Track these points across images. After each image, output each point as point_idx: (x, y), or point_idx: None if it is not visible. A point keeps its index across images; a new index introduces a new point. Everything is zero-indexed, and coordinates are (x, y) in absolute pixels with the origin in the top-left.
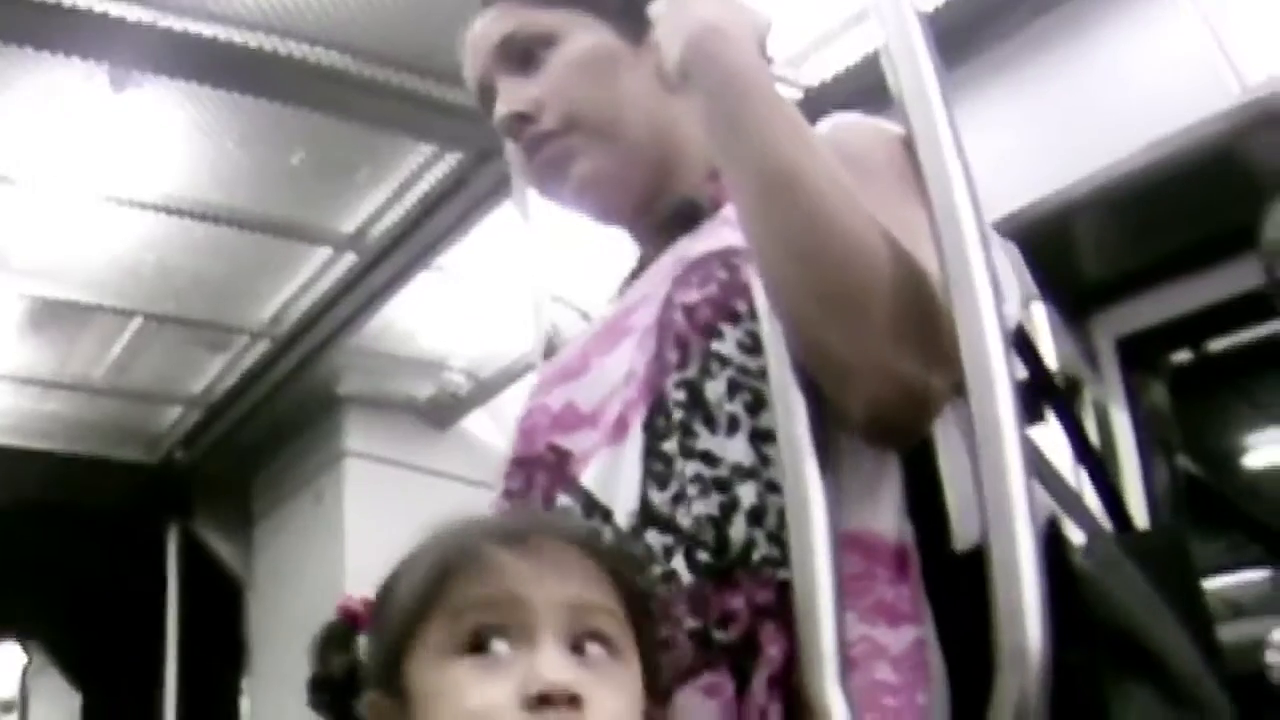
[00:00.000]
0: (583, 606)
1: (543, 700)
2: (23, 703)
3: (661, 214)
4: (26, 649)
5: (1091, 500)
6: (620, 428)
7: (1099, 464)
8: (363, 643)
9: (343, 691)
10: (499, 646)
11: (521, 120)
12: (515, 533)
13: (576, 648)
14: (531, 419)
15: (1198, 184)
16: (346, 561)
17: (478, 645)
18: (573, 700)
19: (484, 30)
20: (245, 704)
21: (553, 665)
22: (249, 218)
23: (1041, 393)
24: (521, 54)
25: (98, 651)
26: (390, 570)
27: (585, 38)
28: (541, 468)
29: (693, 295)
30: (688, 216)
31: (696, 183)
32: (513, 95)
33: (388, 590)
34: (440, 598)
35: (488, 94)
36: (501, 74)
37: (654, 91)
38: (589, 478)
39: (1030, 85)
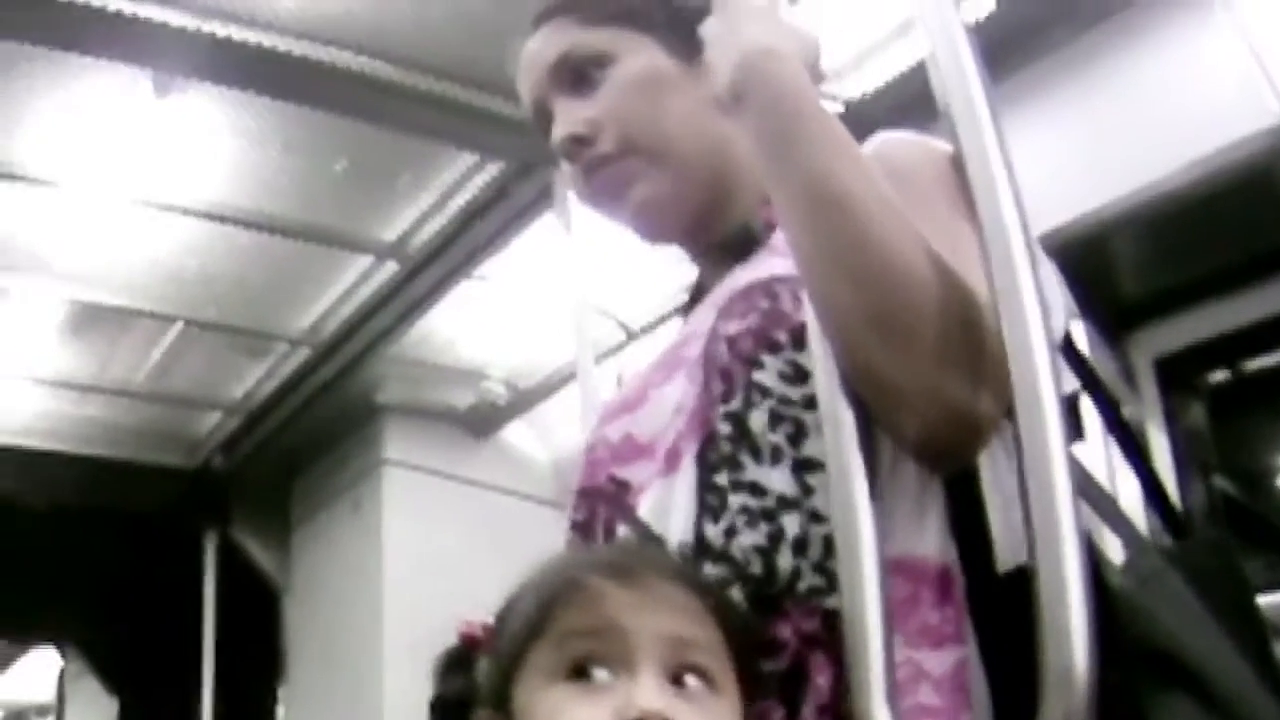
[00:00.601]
0: (682, 640)
1: None
2: (59, 707)
3: (718, 238)
4: (64, 653)
5: (1134, 510)
6: (672, 459)
7: (1152, 472)
8: (482, 666)
9: (457, 712)
10: (600, 674)
11: (578, 143)
12: (621, 566)
13: (676, 680)
14: (595, 451)
15: (1237, 203)
16: (384, 570)
17: (579, 671)
18: None
19: (538, 49)
20: (281, 711)
21: (650, 693)
22: (290, 225)
23: (1091, 398)
24: (577, 74)
25: (134, 657)
26: (507, 596)
27: (640, 58)
28: (603, 499)
29: (735, 326)
30: (744, 242)
31: (752, 206)
32: (569, 117)
33: (503, 617)
34: (547, 624)
35: (543, 113)
36: (557, 95)
37: (708, 112)
38: (644, 509)
39: (1069, 103)
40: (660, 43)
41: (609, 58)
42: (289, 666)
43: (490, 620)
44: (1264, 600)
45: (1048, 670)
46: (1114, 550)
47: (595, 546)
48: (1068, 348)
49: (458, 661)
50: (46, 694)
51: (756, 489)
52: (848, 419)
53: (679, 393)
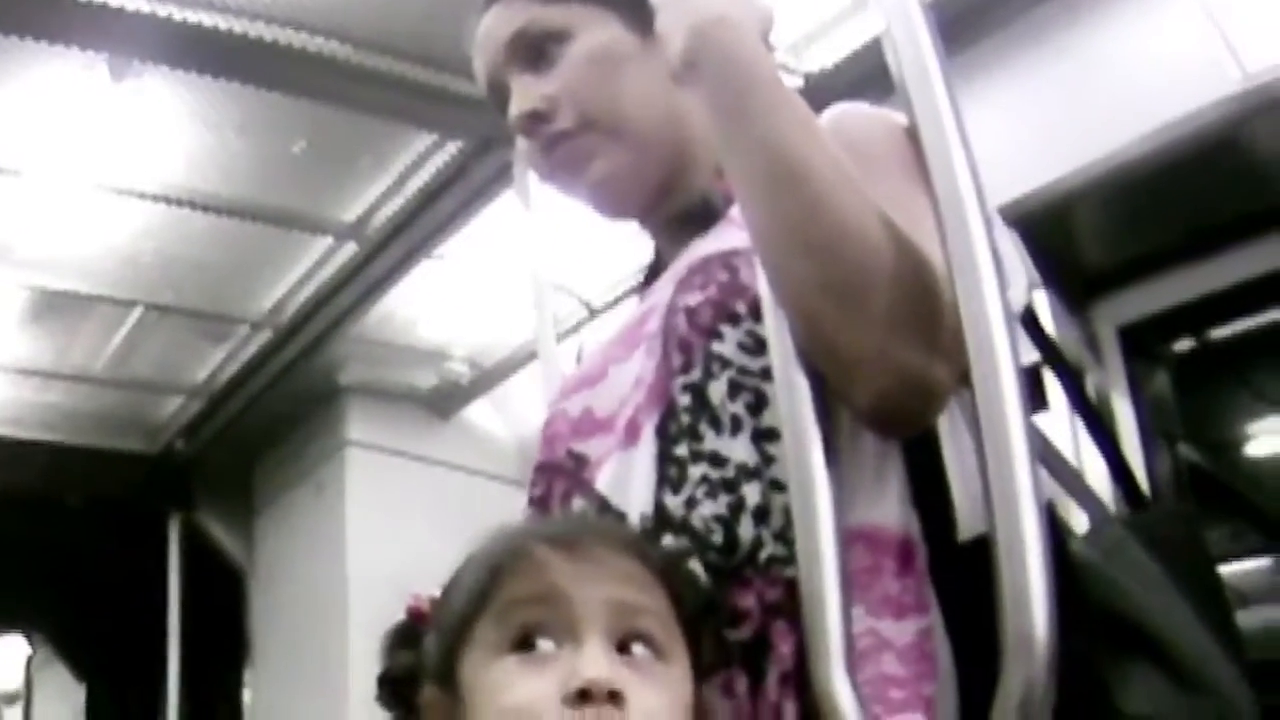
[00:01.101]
0: (628, 607)
1: (583, 696)
2: (27, 695)
3: (675, 211)
4: (31, 641)
5: (1097, 482)
6: (632, 432)
7: (1112, 443)
8: (429, 641)
9: (405, 688)
10: (544, 644)
11: (535, 119)
12: (565, 535)
13: (622, 648)
14: (553, 426)
15: (1199, 171)
16: (349, 551)
17: (524, 642)
18: (613, 696)
19: (493, 26)
20: (247, 695)
21: (595, 662)
22: (249, 207)
23: (1054, 372)
24: (533, 50)
25: (101, 643)
26: (451, 571)
27: (597, 33)
28: (561, 474)
29: (694, 298)
30: (702, 214)
31: (709, 178)
32: (526, 94)
33: (447, 590)
34: (491, 596)
35: (499, 90)
36: (514, 71)
37: (665, 86)
38: (602, 482)
39: (1031, 72)
40: (617, 16)
41: (566, 33)
42: (254, 649)
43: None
44: (1230, 568)
45: (1008, 636)
46: (1078, 523)
47: (542, 517)
48: (1029, 320)
49: (405, 637)
50: (15, 682)
51: (716, 459)
52: (803, 387)
53: (638, 367)
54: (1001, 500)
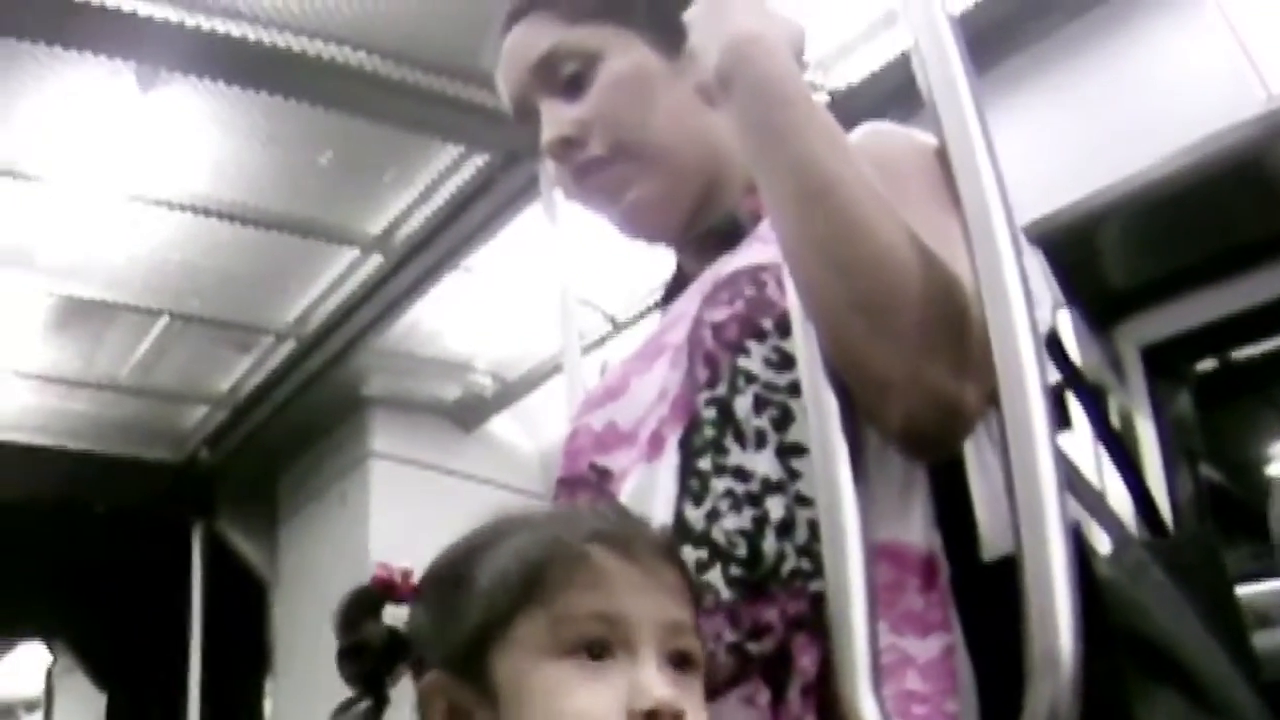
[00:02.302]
0: (678, 626)
1: (650, 716)
2: (48, 703)
3: (703, 230)
4: (52, 649)
5: (1119, 503)
6: (655, 444)
7: (1132, 467)
8: (397, 613)
9: (381, 660)
10: (604, 655)
11: (567, 145)
12: (617, 537)
13: (669, 663)
14: (576, 440)
15: (1224, 192)
16: (371, 562)
17: (580, 648)
18: (676, 717)
19: (519, 46)
20: (269, 705)
21: (659, 682)
22: (275, 218)
23: (1076, 395)
24: (562, 74)
25: (122, 651)
26: (458, 547)
27: (627, 57)
28: (584, 487)
29: (721, 313)
30: (729, 231)
31: (736, 195)
32: (557, 118)
33: (460, 569)
34: (540, 596)
35: (526, 111)
36: (542, 94)
37: (694, 107)
38: (626, 494)
39: (1055, 92)
40: (643, 38)
41: (595, 56)
42: (276, 659)
43: (407, 567)
44: (1252, 588)
45: (1033, 655)
46: (1100, 545)
47: (575, 507)
48: (1052, 341)
49: (369, 607)
50: (35, 689)
51: (741, 473)
52: (831, 403)
53: (661, 379)
54: (1028, 520)
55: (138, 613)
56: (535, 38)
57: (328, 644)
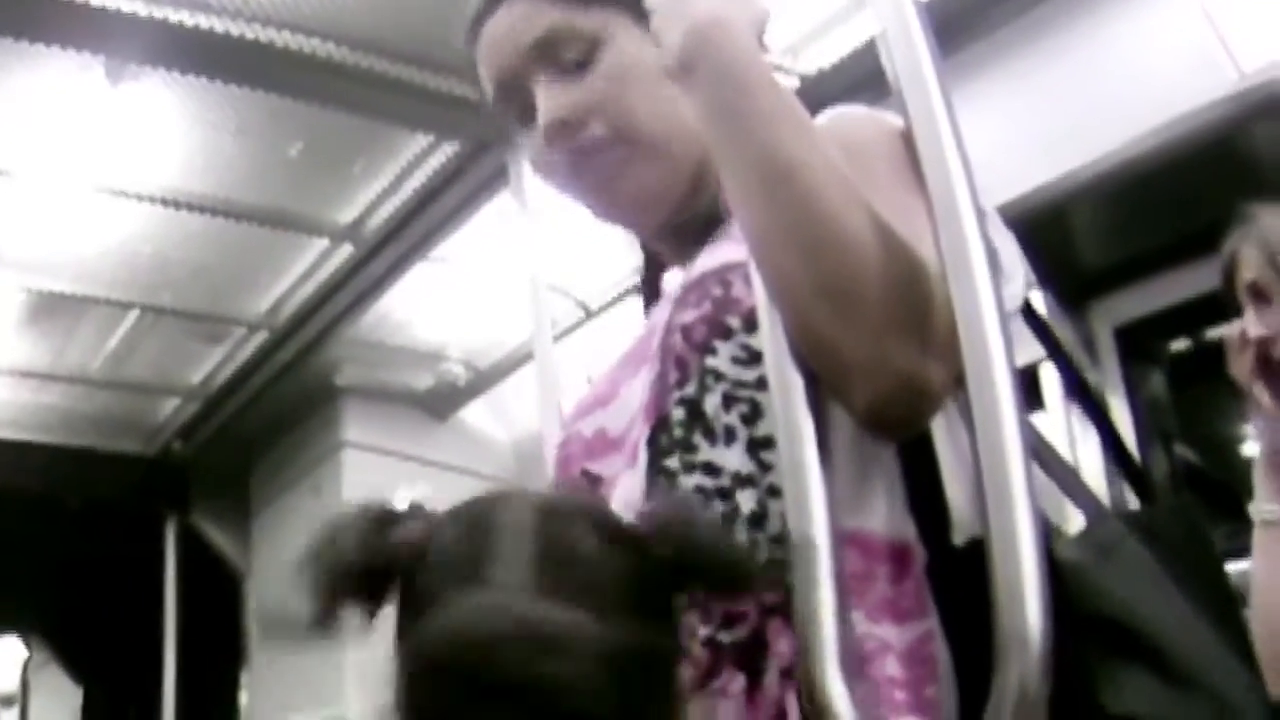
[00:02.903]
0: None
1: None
2: (23, 696)
3: (684, 220)
4: (27, 643)
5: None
6: (634, 451)
7: (1115, 437)
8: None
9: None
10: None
11: (565, 126)
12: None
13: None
14: (567, 447)
15: (1196, 171)
16: None
17: None
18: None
19: (513, 26)
20: (244, 696)
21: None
22: (246, 209)
23: (1056, 366)
24: (563, 56)
25: (98, 645)
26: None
27: (632, 44)
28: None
29: (690, 315)
30: (710, 222)
31: (716, 187)
32: (556, 100)
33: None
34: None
35: (513, 90)
36: (537, 74)
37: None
38: (615, 502)
39: (1027, 73)
40: (639, 25)
41: (598, 40)
42: (251, 651)
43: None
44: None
45: (1002, 634)
46: (1075, 521)
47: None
48: (1030, 315)
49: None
50: (11, 684)
51: (711, 469)
52: (797, 389)
53: (643, 384)
54: (995, 499)
55: (112, 606)
56: (531, 18)
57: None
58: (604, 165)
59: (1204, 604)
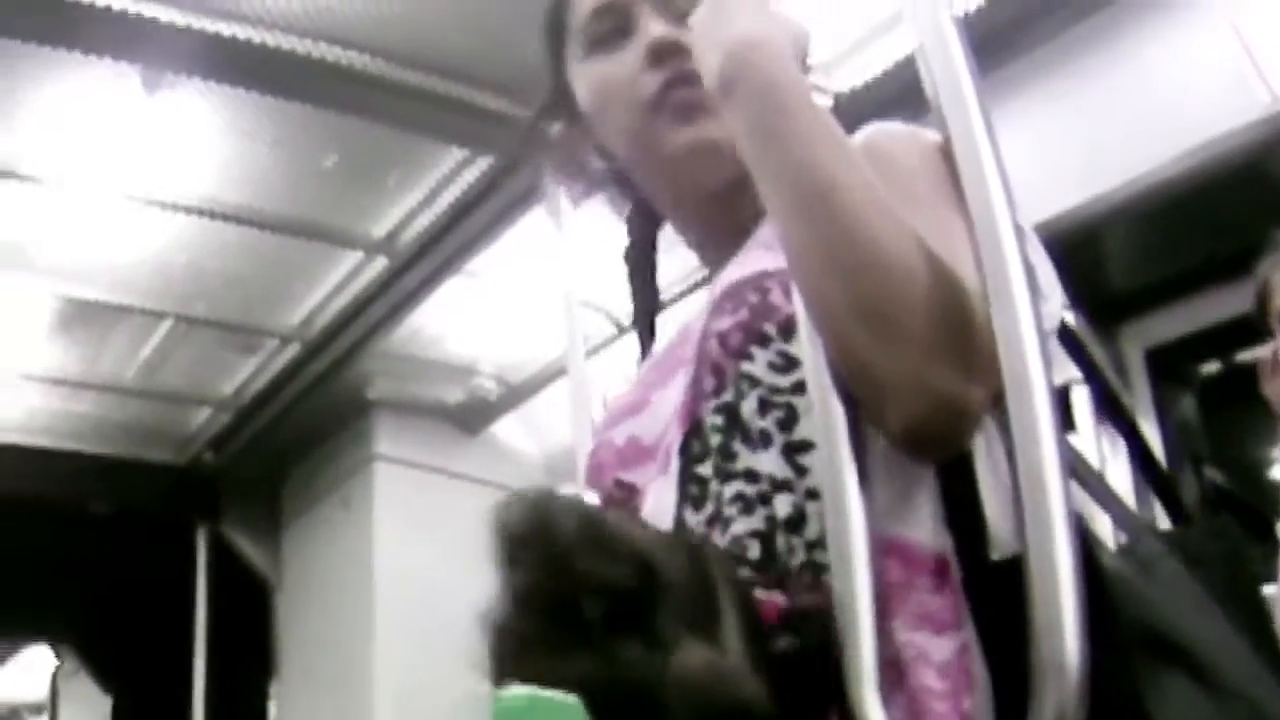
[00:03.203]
0: None
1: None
2: (53, 705)
3: (730, 222)
4: (57, 652)
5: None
6: (667, 458)
7: (1150, 456)
8: None
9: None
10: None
11: (677, 50)
12: None
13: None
14: (598, 456)
15: (1227, 194)
16: (375, 565)
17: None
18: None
19: None
20: (273, 707)
21: (657, 27)
22: (280, 220)
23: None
24: (679, 5)
25: (127, 654)
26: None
27: None
28: (610, 504)
29: (725, 322)
30: (743, 232)
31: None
32: (672, 29)
33: None
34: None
35: (616, 10)
36: (647, 7)
37: None
38: (646, 509)
39: (1060, 94)
40: None
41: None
42: (280, 662)
43: None
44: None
45: (1039, 662)
46: (1107, 534)
47: None
48: (1065, 334)
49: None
50: (40, 693)
51: (751, 475)
52: (837, 407)
53: (676, 392)
54: (1034, 522)
55: (142, 615)
56: None
57: (331, 646)
58: (693, 99)
59: (1241, 623)
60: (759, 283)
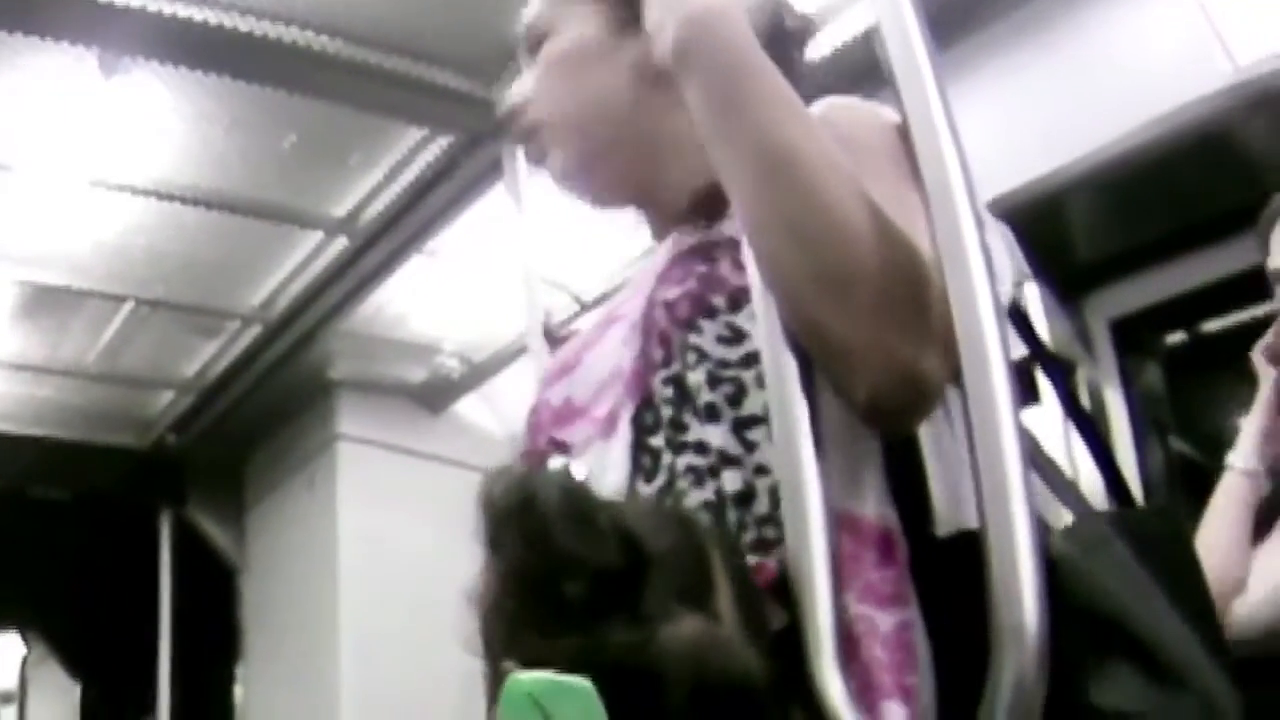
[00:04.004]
0: None
1: None
2: (21, 694)
3: (667, 207)
4: (26, 639)
5: (1088, 479)
6: (610, 423)
7: (1100, 441)
8: None
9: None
10: None
11: (512, 114)
12: None
13: None
14: (536, 415)
15: (1191, 165)
16: (340, 545)
17: None
18: None
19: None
20: (239, 690)
21: None
22: (240, 202)
23: (1043, 369)
24: (532, 45)
25: (93, 640)
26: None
27: (569, 33)
28: (543, 462)
29: (673, 291)
30: (691, 211)
31: (699, 174)
32: (517, 87)
33: None
34: None
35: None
36: (525, 61)
37: (632, 81)
38: (582, 469)
39: (1021, 66)
40: (602, 11)
41: (547, 33)
42: (246, 645)
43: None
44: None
45: (998, 629)
46: (1061, 519)
47: None
48: (1017, 315)
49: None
50: (9, 682)
51: (701, 448)
52: (791, 373)
53: (613, 354)
54: (992, 494)
55: (107, 600)
56: (529, 9)
57: (297, 628)
58: (535, 147)
59: (1183, 604)
60: (708, 251)
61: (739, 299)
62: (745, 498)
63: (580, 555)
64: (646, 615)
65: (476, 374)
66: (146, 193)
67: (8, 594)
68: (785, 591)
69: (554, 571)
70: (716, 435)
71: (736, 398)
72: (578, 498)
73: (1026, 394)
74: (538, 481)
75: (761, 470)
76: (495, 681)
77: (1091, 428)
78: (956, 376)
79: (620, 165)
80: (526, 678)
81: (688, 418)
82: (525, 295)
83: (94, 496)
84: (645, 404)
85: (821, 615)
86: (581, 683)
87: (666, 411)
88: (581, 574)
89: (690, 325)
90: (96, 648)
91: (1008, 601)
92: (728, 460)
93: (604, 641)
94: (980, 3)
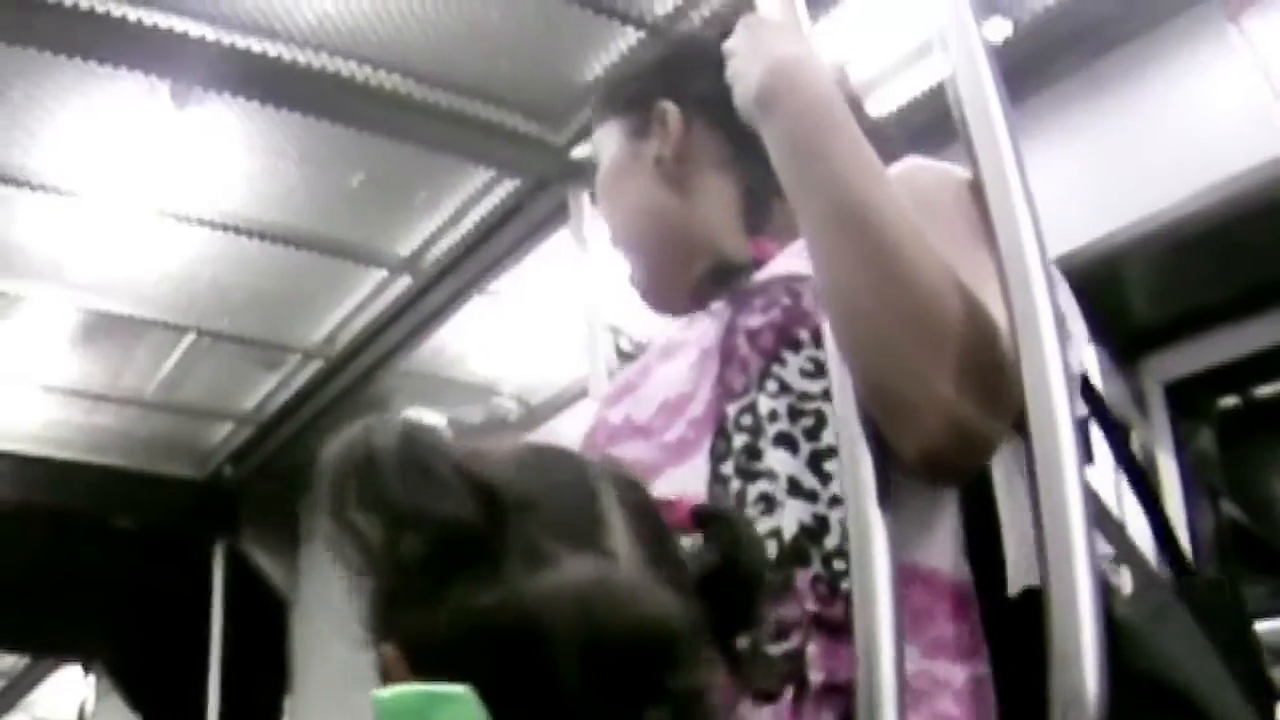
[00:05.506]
0: None
1: None
2: None
3: (691, 287)
4: (89, 670)
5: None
6: (680, 449)
7: (1156, 503)
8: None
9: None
10: None
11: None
12: None
13: None
14: (594, 434)
15: (1249, 230)
16: None
17: None
18: None
19: None
20: None
21: None
22: (306, 237)
23: (1101, 429)
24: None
25: (151, 672)
26: None
27: (604, 158)
28: None
29: (756, 320)
30: (725, 274)
31: (733, 245)
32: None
33: None
34: None
35: None
36: None
37: (652, 186)
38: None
39: (1084, 127)
40: (620, 122)
41: (596, 164)
42: (296, 679)
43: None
44: (1271, 625)
45: (1056, 693)
46: (1123, 583)
47: None
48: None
49: None
50: (70, 713)
51: (774, 476)
52: (861, 431)
53: (681, 378)
54: (1055, 558)
55: (159, 630)
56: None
57: (346, 664)
58: (625, 272)
59: (1241, 680)
60: (790, 284)
61: (822, 333)
62: (816, 531)
63: (420, 510)
64: (507, 569)
65: (533, 416)
66: (213, 224)
67: (68, 623)
68: (710, 526)
69: (393, 534)
70: (791, 465)
71: (815, 430)
72: (417, 446)
73: (1083, 453)
74: (375, 435)
75: (836, 501)
76: (383, 672)
77: (1148, 489)
78: (1020, 428)
79: (675, 263)
80: (386, 695)
81: (763, 445)
82: (588, 339)
83: (149, 526)
84: (720, 432)
85: (885, 671)
86: (455, 690)
87: (740, 439)
88: (423, 532)
89: (774, 357)
90: (152, 679)
91: (1066, 666)
92: (799, 491)
93: (465, 605)
94: (1041, 64)
